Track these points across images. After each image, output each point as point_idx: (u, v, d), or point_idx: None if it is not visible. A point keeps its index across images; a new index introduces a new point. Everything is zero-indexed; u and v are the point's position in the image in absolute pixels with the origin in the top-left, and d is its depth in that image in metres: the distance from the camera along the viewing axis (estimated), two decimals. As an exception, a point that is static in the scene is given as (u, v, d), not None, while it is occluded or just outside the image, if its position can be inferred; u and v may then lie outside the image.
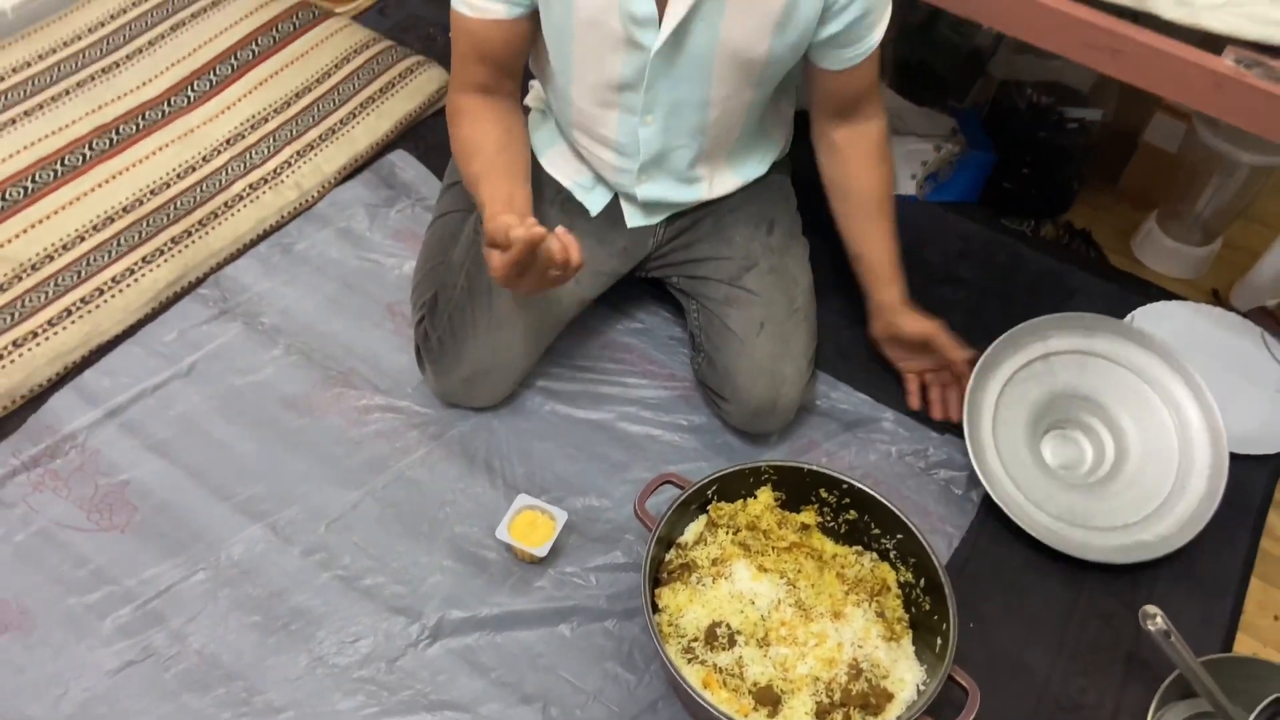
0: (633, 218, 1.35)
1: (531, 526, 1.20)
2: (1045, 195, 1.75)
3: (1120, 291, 1.61)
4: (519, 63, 1.24)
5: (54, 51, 1.69)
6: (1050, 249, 1.70)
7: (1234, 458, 1.38)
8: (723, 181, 1.34)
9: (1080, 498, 1.33)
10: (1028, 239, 1.71)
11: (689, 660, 1.08)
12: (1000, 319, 1.45)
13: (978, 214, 1.73)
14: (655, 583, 1.14)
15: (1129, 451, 1.38)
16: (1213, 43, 1.14)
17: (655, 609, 1.11)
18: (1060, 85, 1.70)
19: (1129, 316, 1.54)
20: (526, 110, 1.40)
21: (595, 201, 1.35)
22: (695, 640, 1.09)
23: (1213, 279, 1.69)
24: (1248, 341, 1.53)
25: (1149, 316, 1.54)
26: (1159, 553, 1.28)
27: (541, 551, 1.18)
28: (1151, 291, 1.62)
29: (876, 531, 1.19)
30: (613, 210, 1.35)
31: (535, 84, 1.38)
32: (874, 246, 1.36)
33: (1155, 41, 1.14)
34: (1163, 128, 1.73)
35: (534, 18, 1.17)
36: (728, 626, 1.09)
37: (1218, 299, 1.65)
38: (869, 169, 1.33)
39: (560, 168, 1.35)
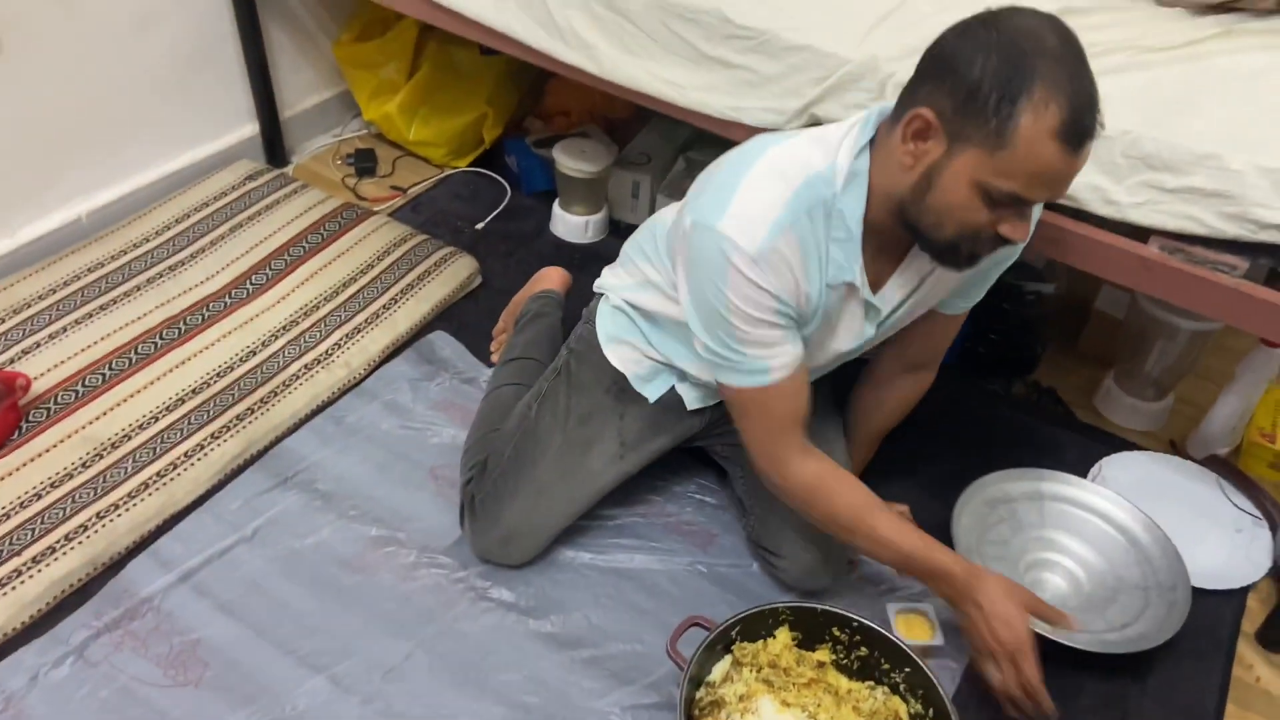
0: (693, 401, 1.46)
1: (909, 625, 1.40)
2: (1013, 358, 1.95)
3: (1088, 443, 1.79)
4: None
5: (125, 252, 1.90)
6: (1021, 406, 1.88)
7: (1204, 593, 1.53)
8: None
9: (1071, 613, 1.46)
10: (1001, 397, 1.90)
11: (724, 791, 1.18)
12: (982, 470, 1.62)
13: (957, 375, 1.93)
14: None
15: (1101, 576, 1.53)
16: (1141, 233, 1.36)
17: (689, 745, 1.21)
18: (1018, 263, 1.92)
19: (1097, 466, 1.72)
20: (596, 295, 1.52)
21: (654, 390, 1.44)
22: (729, 772, 1.19)
23: (1170, 430, 1.87)
24: (1206, 487, 1.70)
25: (1115, 465, 1.72)
26: (1157, 641, 1.40)
27: (938, 640, 1.39)
28: (1115, 443, 1.80)
29: (886, 666, 1.31)
30: (668, 396, 1.45)
31: (617, 276, 1.47)
32: (855, 460, 1.54)
33: (1090, 233, 1.36)
34: (1110, 297, 1.95)
35: None
36: (758, 757, 1.20)
37: (1175, 449, 1.82)
38: (901, 413, 1.51)
39: (622, 358, 1.44)
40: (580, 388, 1.46)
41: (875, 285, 1.24)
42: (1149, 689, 1.43)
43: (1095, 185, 1.33)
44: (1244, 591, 1.57)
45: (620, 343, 1.45)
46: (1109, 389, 1.89)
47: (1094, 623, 1.45)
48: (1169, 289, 1.34)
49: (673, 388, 1.45)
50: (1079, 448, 1.77)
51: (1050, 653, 1.40)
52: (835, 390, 1.58)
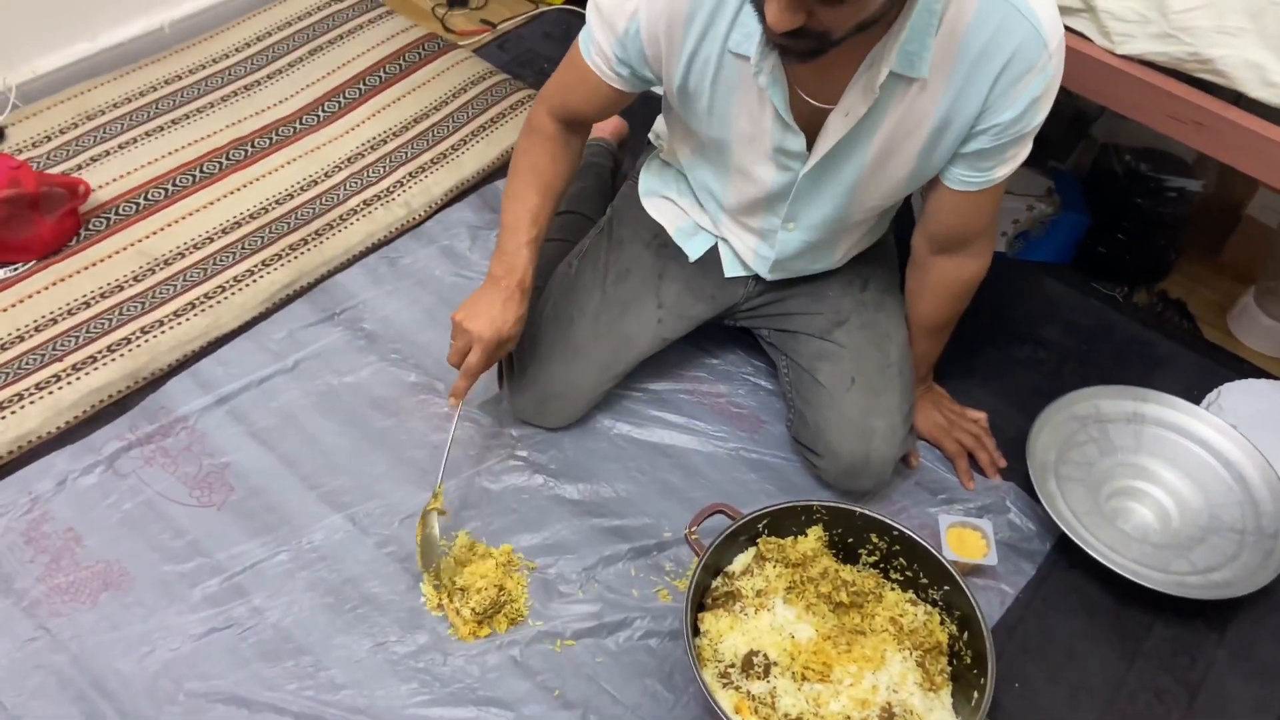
0: (731, 267, 1.37)
1: (961, 540, 1.29)
2: (1140, 262, 1.73)
3: (1209, 365, 1.59)
4: (603, 119, 1.29)
5: (204, 66, 1.86)
6: (1140, 316, 1.68)
7: (1311, 545, 1.35)
8: (845, 257, 1.36)
9: (1151, 550, 1.33)
10: (1118, 305, 1.70)
11: (724, 685, 1.11)
12: (1080, 384, 1.46)
13: (1068, 276, 1.73)
14: (700, 608, 1.18)
15: (1194, 514, 1.37)
16: (1306, 124, 1.14)
17: (696, 632, 1.15)
18: (1163, 153, 1.68)
19: (1215, 392, 1.52)
20: (647, 145, 1.44)
21: (696, 248, 1.37)
22: (732, 666, 1.12)
23: (1311, 360, 1.64)
24: (1340, 427, 1.49)
25: (1234, 393, 1.52)
26: (1239, 591, 1.26)
27: (991, 559, 1.27)
28: (1243, 368, 1.60)
29: (925, 581, 1.20)
30: (709, 256, 1.38)
31: (662, 128, 1.40)
32: (915, 351, 1.38)
33: (1241, 119, 1.14)
34: (1266, 201, 1.70)
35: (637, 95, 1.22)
36: (765, 656, 1.12)
37: (1313, 381, 1.60)
38: (947, 305, 1.33)
39: (663, 212, 1.39)
40: (620, 243, 1.39)
41: (808, 116, 1.09)
42: (1227, 641, 1.28)
43: (1254, 61, 1.11)
44: (1362, 549, 1.38)
45: (660, 197, 1.37)
46: (1246, 307, 1.67)
47: (1176, 563, 1.30)
48: (1328, 193, 1.13)
49: (714, 246, 1.36)
50: (1199, 369, 1.58)
51: (1121, 588, 1.27)
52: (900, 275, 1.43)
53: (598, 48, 1.15)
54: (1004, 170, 1.14)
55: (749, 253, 1.32)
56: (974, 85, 1.03)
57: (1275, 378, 1.57)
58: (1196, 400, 1.48)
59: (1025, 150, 1.13)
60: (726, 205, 1.28)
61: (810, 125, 1.10)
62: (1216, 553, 1.32)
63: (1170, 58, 1.18)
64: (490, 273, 1.24)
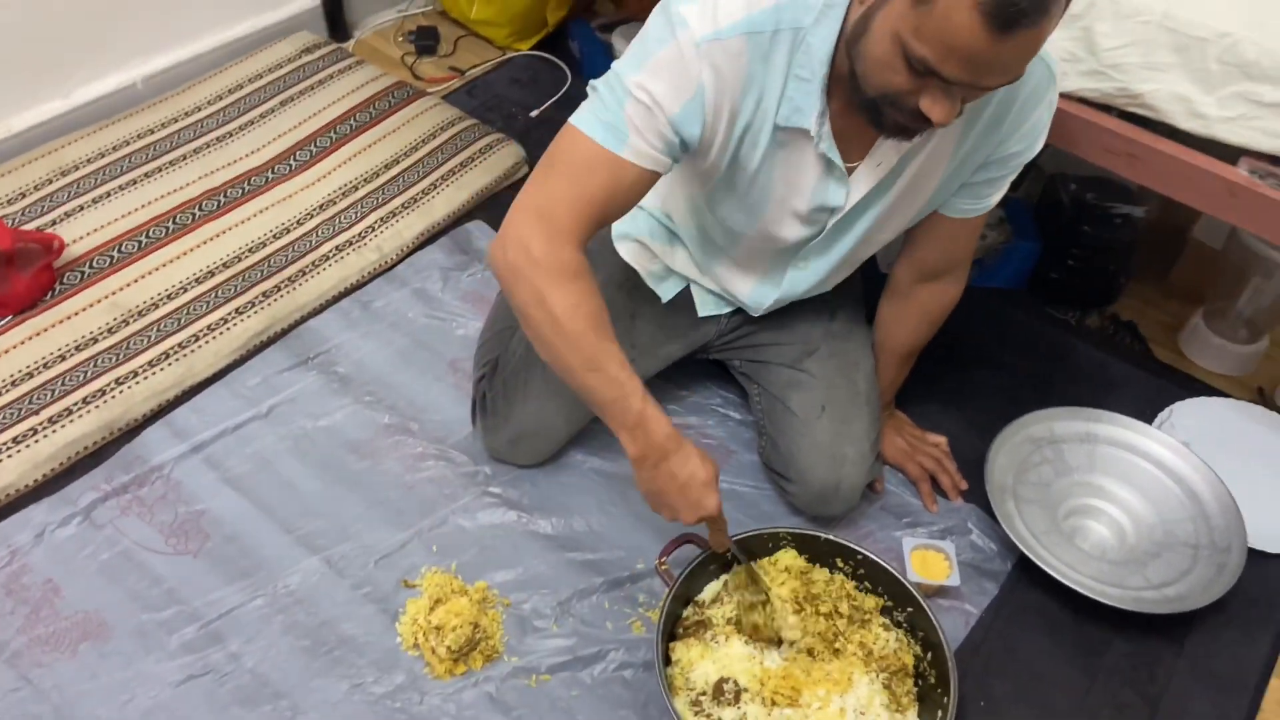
0: (705, 307, 1.40)
1: (925, 563, 1.32)
2: (1091, 286, 1.78)
3: (1162, 384, 1.64)
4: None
5: (176, 120, 1.90)
6: (1093, 339, 1.73)
7: (1265, 557, 1.40)
8: (829, 287, 1.39)
9: (1108, 567, 1.37)
10: (1071, 328, 1.75)
11: (696, 713, 1.14)
12: (1036, 406, 1.50)
13: (1023, 301, 1.78)
14: (671, 637, 1.21)
15: (1149, 530, 1.41)
16: (1231, 153, 1.19)
17: (669, 662, 1.18)
18: (1108, 181, 1.74)
19: (1167, 410, 1.57)
20: None
21: (668, 290, 1.39)
22: (704, 694, 1.15)
23: (1259, 376, 1.69)
24: (1288, 441, 1.54)
25: (1188, 411, 1.57)
26: (1195, 605, 1.29)
27: (954, 580, 1.31)
28: (1195, 387, 1.65)
29: (889, 604, 1.24)
30: (681, 296, 1.40)
31: None
32: (884, 378, 1.43)
33: (1171, 149, 1.20)
34: (1210, 225, 1.76)
35: None
36: (735, 683, 1.15)
37: (1263, 397, 1.65)
38: (926, 330, 1.39)
39: (635, 255, 1.39)
40: None
41: (845, 162, 1.12)
42: (1185, 654, 1.32)
43: (1181, 95, 1.17)
44: (1313, 560, 1.42)
45: (632, 240, 1.39)
46: (1196, 327, 1.72)
47: (1132, 579, 1.34)
48: (1256, 218, 1.18)
49: (686, 288, 1.39)
50: (1152, 390, 1.63)
51: (1081, 605, 1.31)
52: (866, 307, 1.48)
53: (645, 129, 1.03)
54: (998, 196, 1.21)
55: (744, 294, 1.34)
56: (993, 122, 1.09)
57: (1226, 395, 1.62)
58: (1149, 419, 1.52)
59: (1006, 187, 1.21)
60: (735, 258, 1.30)
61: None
62: (1171, 568, 1.36)
63: (1102, 94, 1.24)
64: (651, 450, 1.10)
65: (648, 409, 1.08)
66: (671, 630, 1.21)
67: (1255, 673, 1.31)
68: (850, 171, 1.13)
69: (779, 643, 1.19)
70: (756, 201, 1.17)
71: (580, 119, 1.05)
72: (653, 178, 1.08)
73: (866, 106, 0.99)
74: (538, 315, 1.05)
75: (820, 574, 1.26)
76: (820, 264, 1.28)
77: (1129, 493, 1.44)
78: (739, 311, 1.41)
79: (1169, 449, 1.46)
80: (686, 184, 1.25)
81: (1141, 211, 1.70)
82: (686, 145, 1.07)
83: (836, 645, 1.19)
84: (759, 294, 1.34)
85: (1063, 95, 1.27)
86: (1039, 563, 1.32)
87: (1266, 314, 1.65)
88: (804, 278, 1.30)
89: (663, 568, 1.23)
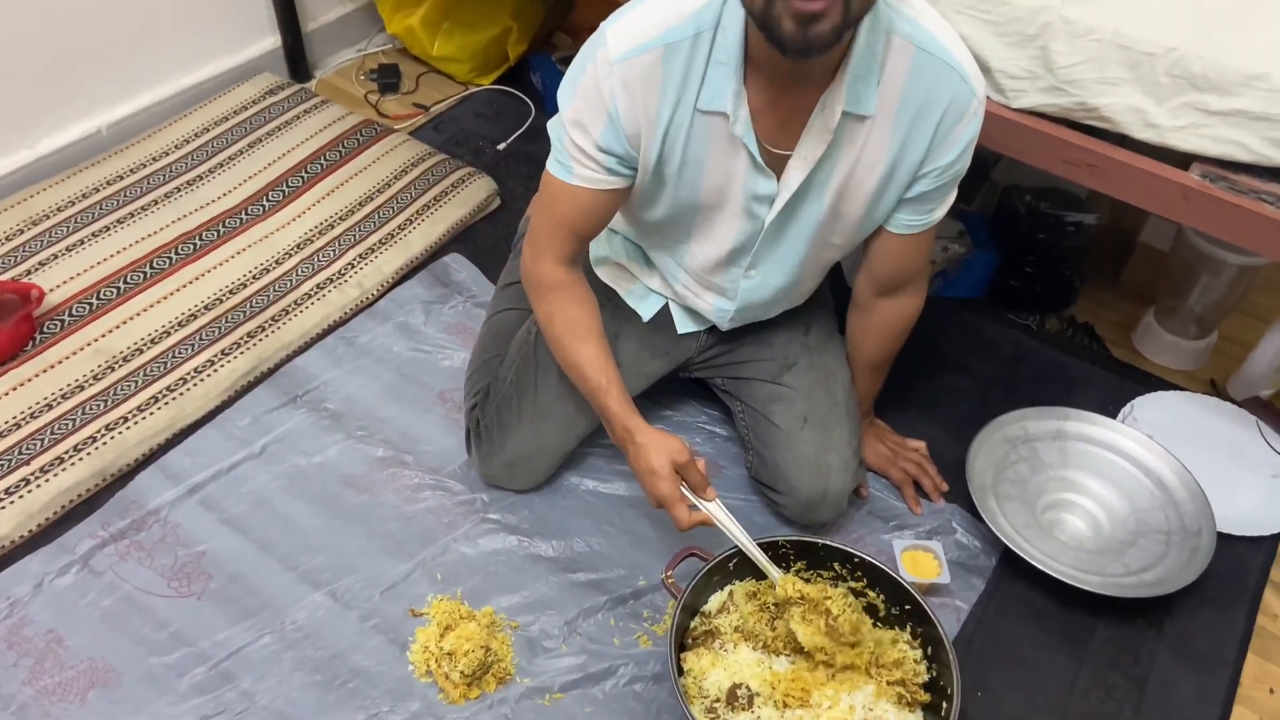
0: (683, 324, 1.44)
1: (915, 563, 1.37)
2: (1048, 292, 1.87)
3: (1121, 382, 1.72)
4: (604, 227, 1.29)
5: (144, 165, 1.90)
6: (1054, 341, 1.81)
7: (1232, 539, 1.47)
8: (802, 298, 1.43)
9: (1087, 556, 1.43)
10: (1033, 332, 1.83)
11: (712, 720, 1.17)
12: (1005, 407, 1.57)
13: (985, 309, 1.86)
14: (681, 648, 1.24)
15: (1123, 520, 1.48)
16: (1183, 160, 1.27)
17: (681, 672, 1.21)
18: (1059, 191, 1.83)
19: (1129, 406, 1.65)
20: None
21: (647, 309, 1.44)
22: (718, 701, 1.18)
23: (1211, 370, 1.78)
24: (1244, 430, 1.63)
25: (1148, 405, 1.65)
26: (1171, 588, 1.36)
27: (945, 578, 1.36)
28: (1151, 382, 1.73)
29: (887, 603, 1.28)
30: (661, 315, 1.44)
31: None
32: (860, 388, 1.48)
33: (1128, 158, 1.28)
34: (1157, 228, 1.85)
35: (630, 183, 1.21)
36: (747, 688, 1.19)
37: (1216, 389, 1.74)
38: (890, 342, 1.43)
39: (614, 277, 1.44)
40: None
41: (770, 163, 1.16)
42: (1165, 635, 1.39)
43: (1135, 107, 1.25)
44: (1275, 539, 1.50)
45: (610, 263, 1.43)
46: (1149, 325, 1.81)
47: (1111, 566, 1.41)
48: (1209, 220, 1.26)
49: (665, 306, 1.43)
50: (1112, 387, 1.71)
51: (1064, 594, 1.37)
52: (839, 319, 1.53)
53: (582, 158, 1.15)
54: (940, 212, 1.25)
55: (707, 309, 1.39)
56: (918, 133, 1.14)
57: (1182, 389, 1.71)
58: (1112, 415, 1.60)
59: (954, 193, 1.25)
60: (689, 269, 1.34)
61: (774, 173, 1.18)
62: (1147, 554, 1.42)
63: (1060, 108, 1.31)
64: (620, 443, 1.28)
65: (610, 404, 1.25)
66: (681, 641, 1.24)
67: (1233, 648, 1.38)
68: (783, 163, 1.16)
69: (797, 649, 1.22)
70: (688, 198, 1.21)
71: (549, 158, 1.20)
72: (614, 195, 1.20)
73: (760, 25, 0.99)
74: (539, 324, 1.31)
75: (837, 596, 1.24)
76: (769, 273, 1.31)
77: (1101, 485, 1.51)
78: (716, 328, 1.46)
79: (1136, 442, 1.53)
80: (638, 206, 1.28)
81: (1093, 218, 1.78)
82: (625, 161, 1.16)
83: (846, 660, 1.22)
84: (719, 308, 1.38)
85: (1023, 111, 1.34)
86: (1024, 556, 1.38)
87: (1215, 310, 1.74)
88: (756, 288, 1.33)
89: (669, 580, 1.26)
